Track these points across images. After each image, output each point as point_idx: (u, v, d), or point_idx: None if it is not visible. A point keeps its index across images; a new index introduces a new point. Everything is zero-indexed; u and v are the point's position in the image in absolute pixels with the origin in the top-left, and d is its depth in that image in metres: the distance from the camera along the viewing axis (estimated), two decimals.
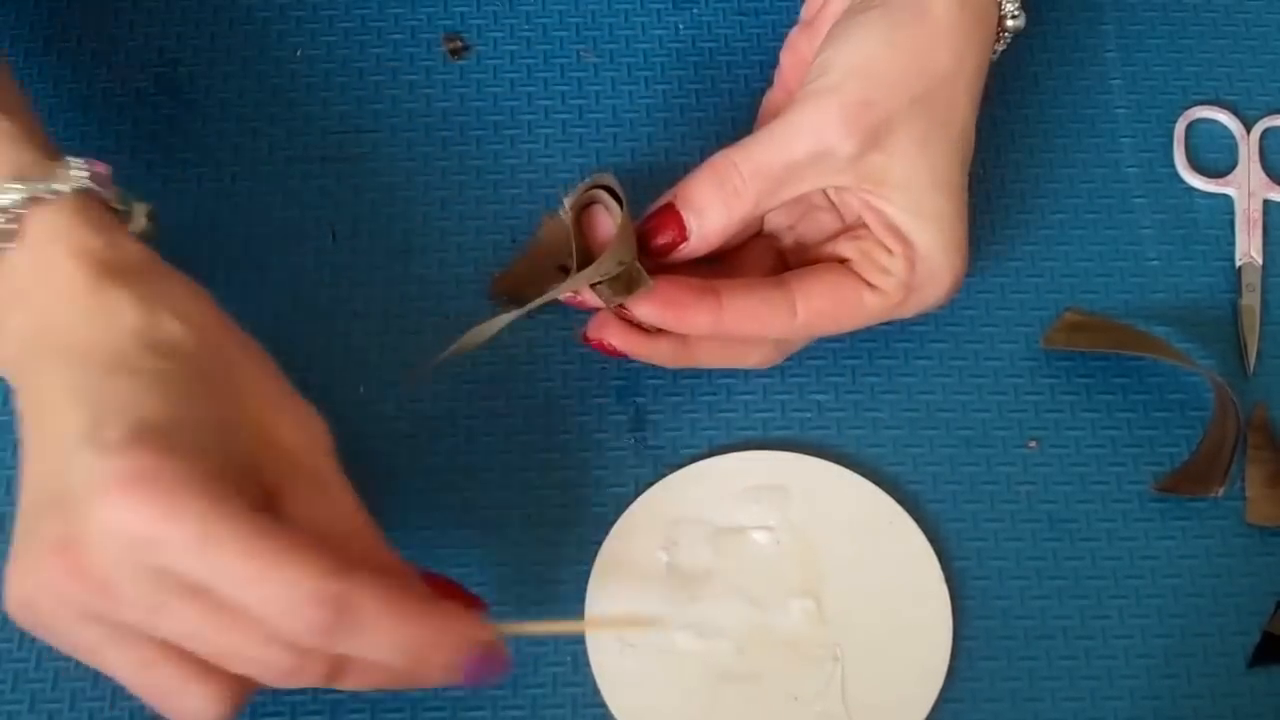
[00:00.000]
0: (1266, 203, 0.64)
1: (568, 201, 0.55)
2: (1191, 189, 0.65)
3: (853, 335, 0.61)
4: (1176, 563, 0.58)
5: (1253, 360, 0.61)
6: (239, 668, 0.44)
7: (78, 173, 0.49)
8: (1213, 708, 0.56)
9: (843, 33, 0.55)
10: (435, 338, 0.60)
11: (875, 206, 0.55)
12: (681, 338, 0.56)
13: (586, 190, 0.55)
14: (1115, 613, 0.57)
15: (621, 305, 0.55)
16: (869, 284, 0.55)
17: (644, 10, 0.68)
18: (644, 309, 0.55)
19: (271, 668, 0.44)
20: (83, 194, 0.49)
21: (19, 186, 0.48)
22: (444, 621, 0.46)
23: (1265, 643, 0.57)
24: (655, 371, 0.60)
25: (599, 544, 0.58)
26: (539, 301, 0.55)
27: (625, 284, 0.54)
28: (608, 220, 0.56)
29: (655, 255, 0.56)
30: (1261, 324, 0.62)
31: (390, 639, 0.44)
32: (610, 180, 0.55)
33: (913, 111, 0.53)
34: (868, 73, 0.54)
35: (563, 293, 0.55)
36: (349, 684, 0.46)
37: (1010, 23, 0.57)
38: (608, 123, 0.65)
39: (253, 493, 0.45)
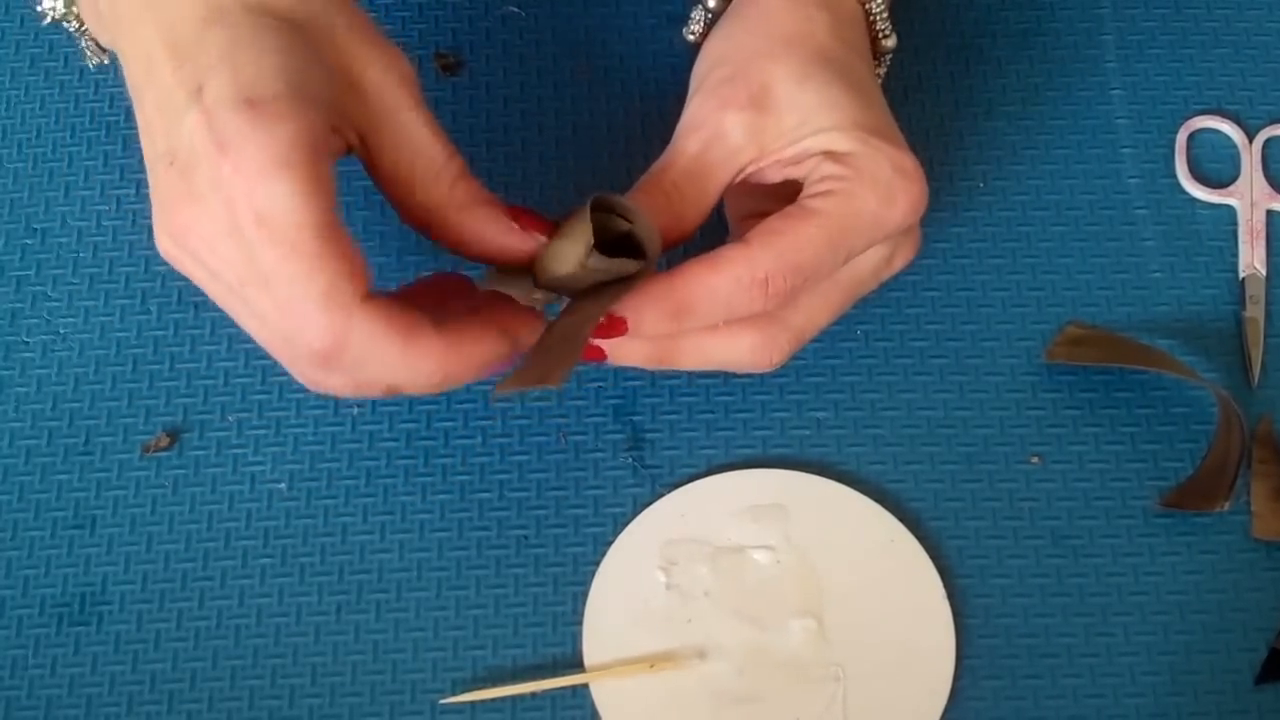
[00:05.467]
0: (1270, 213, 0.64)
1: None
2: (1194, 200, 0.64)
3: (852, 351, 0.61)
4: (1182, 579, 0.57)
5: (1257, 373, 0.61)
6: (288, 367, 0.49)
7: None
8: None
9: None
10: None
11: (790, 156, 0.53)
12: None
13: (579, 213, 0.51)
14: (1120, 630, 0.57)
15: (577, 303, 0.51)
16: (818, 194, 0.52)
17: (638, 26, 0.68)
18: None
19: (304, 379, 0.49)
20: None
21: None
22: (453, 347, 0.48)
23: (1272, 659, 0.56)
24: (652, 390, 0.60)
25: (596, 565, 0.57)
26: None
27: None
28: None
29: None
30: (1265, 336, 0.61)
31: (393, 369, 0.47)
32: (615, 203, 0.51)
33: (777, 67, 0.53)
34: (721, 59, 0.55)
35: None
36: (379, 394, 0.49)
37: (885, 42, 0.58)
38: (602, 139, 0.65)
39: (341, 142, 0.48)
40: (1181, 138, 0.65)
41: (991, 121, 0.66)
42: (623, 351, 0.53)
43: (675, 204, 0.52)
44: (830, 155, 0.52)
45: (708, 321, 0.51)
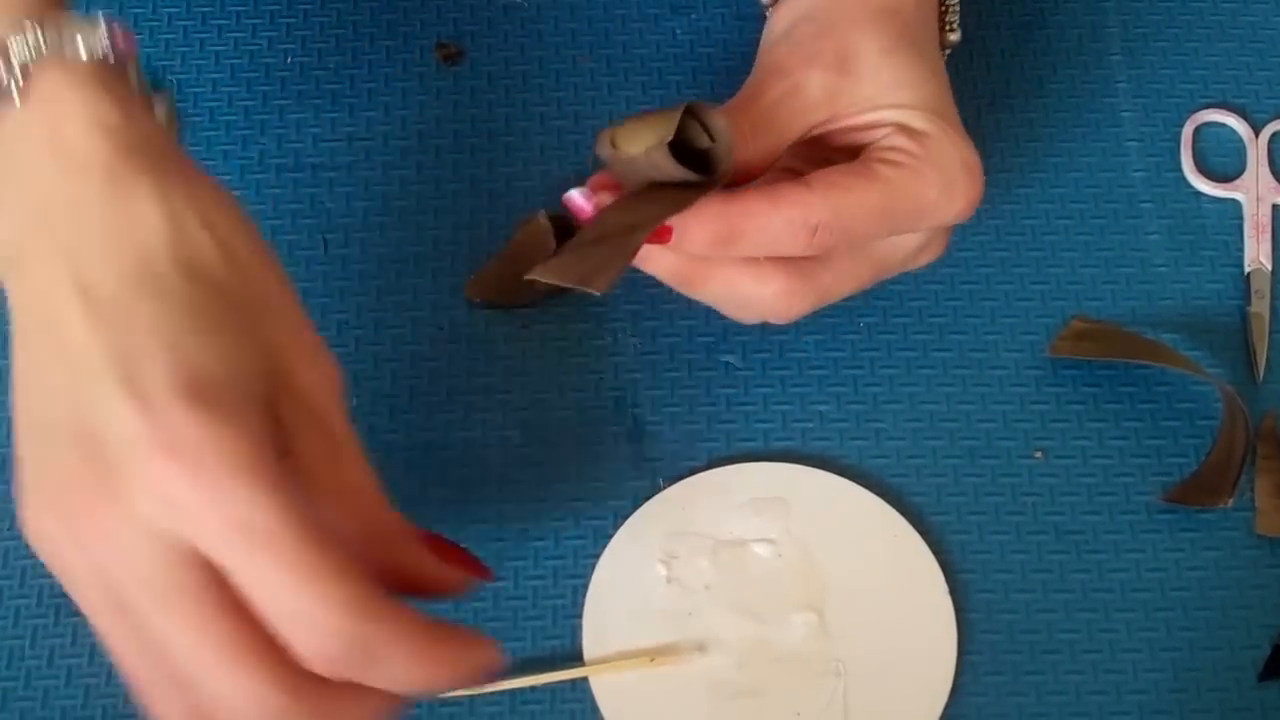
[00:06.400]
0: (1275, 208, 0.64)
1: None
2: (1199, 194, 0.64)
3: (854, 344, 0.61)
4: (1185, 575, 0.57)
5: (1262, 368, 0.60)
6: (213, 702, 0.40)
7: (97, 35, 0.44)
8: None
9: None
10: (430, 349, 0.60)
11: (861, 124, 0.53)
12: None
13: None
14: (1123, 626, 0.56)
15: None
16: (886, 161, 0.52)
17: (641, 15, 0.67)
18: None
19: (247, 707, 0.39)
20: (102, 62, 0.43)
21: (32, 38, 0.42)
22: (453, 653, 0.42)
23: (1275, 656, 0.56)
24: (654, 382, 0.60)
25: (597, 558, 0.57)
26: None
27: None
28: (586, 209, 0.51)
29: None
30: (1271, 331, 0.61)
31: (403, 676, 0.40)
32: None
33: (865, 36, 0.53)
34: (809, 15, 0.54)
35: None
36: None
37: (950, 35, 0.58)
38: (604, 129, 0.64)
39: (275, 442, 0.40)
40: (1187, 131, 0.65)
41: (995, 114, 0.66)
42: (654, 261, 0.52)
43: (749, 146, 0.52)
44: (904, 129, 0.52)
45: (748, 253, 0.51)
